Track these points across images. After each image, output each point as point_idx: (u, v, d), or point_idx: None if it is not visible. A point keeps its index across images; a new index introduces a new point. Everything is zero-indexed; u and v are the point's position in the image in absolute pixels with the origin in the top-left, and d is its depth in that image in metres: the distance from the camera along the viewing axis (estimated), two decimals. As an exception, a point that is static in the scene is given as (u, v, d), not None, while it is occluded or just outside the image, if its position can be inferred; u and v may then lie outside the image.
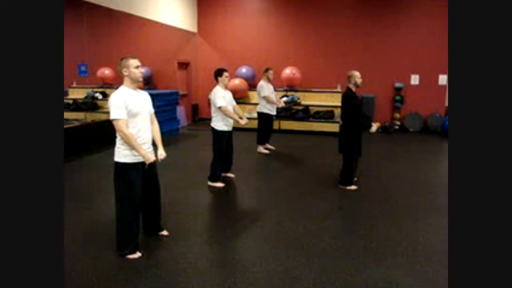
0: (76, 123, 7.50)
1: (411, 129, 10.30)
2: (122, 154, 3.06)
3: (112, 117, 2.97)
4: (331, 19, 10.58)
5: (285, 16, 10.91)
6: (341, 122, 5.29)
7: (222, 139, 5.10)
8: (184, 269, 3.02)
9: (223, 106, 4.93)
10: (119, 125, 2.97)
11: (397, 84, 10.37)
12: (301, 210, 4.38)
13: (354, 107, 4.79)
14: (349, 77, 4.89)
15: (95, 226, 3.85)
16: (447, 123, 9.62)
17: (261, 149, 7.36)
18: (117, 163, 3.09)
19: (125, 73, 3.08)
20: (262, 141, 7.39)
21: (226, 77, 5.09)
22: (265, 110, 7.22)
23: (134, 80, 3.11)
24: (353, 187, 5.05)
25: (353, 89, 4.88)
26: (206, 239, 3.60)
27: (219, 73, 5.08)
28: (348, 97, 4.81)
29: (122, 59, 3.10)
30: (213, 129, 5.12)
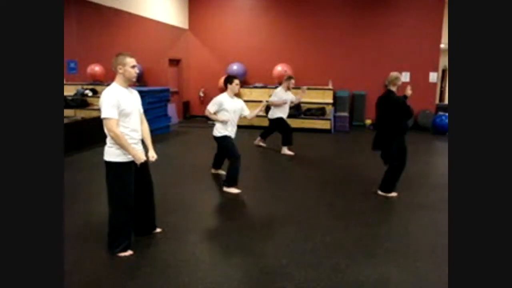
0: (66, 121, 7.42)
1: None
2: (115, 154, 2.99)
3: (103, 115, 2.89)
4: (322, 16, 10.59)
5: (277, 13, 10.89)
6: (371, 128, 4.95)
7: (229, 142, 4.91)
8: (175, 267, 3.00)
9: (249, 116, 4.98)
10: (110, 125, 2.89)
11: (388, 81, 10.42)
12: (292, 207, 4.39)
13: (408, 110, 4.45)
14: (395, 79, 4.48)
15: (84, 224, 3.81)
16: (437, 120, 9.70)
17: (286, 150, 7.11)
18: (109, 163, 3.02)
19: (119, 71, 2.99)
20: (288, 143, 7.15)
21: (237, 84, 4.87)
22: (280, 114, 7.03)
23: (127, 79, 3.04)
24: (395, 194, 4.71)
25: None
26: (197, 237, 3.59)
27: (229, 80, 4.88)
28: (397, 101, 4.42)
29: (118, 55, 3.01)
30: (216, 137, 4.98)
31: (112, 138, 2.95)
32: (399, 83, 4.50)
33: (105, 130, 2.98)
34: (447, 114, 9.90)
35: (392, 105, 4.47)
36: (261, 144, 7.66)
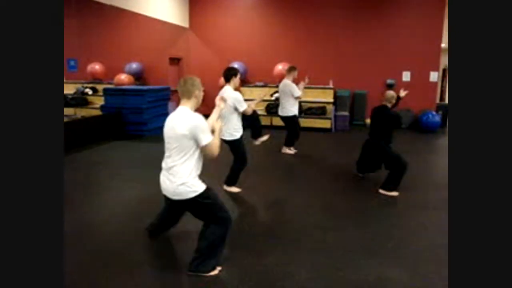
0: (66, 119, 7.41)
1: (402, 126, 10.36)
2: (198, 184, 2.73)
3: (207, 141, 2.65)
4: (323, 16, 10.56)
5: (278, 11, 10.87)
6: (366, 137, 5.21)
7: (243, 145, 4.60)
8: (175, 266, 3.00)
9: (247, 109, 4.45)
10: (216, 146, 2.72)
11: (389, 81, 10.41)
12: (292, 206, 4.38)
13: (399, 120, 5.01)
14: (391, 97, 5.01)
15: (82, 224, 3.80)
16: (423, 118, 9.72)
17: (286, 150, 6.98)
18: (199, 196, 2.72)
19: (196, 96, 2.75)
20: (290, 143, 6.99)
21: (239, 77, 4.62)
22: (292, 113, 6.73)
23: (198, 104, 2.81)
24: (396, 193, 4.77)
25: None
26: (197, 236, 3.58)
27: (234, 72, 4.48)
28: (391, 115, 4.93)
29: (191, 78, 2.78)
30: (234, 141, 4.49)
31: (215, 152, 2.73)
32: (394, 101, 5.09)
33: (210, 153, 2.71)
34: (433, 112, 9.92)
35: (386, 117, 4.96)
36: (290, 151, 7.06)
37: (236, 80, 4.51)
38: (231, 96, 4.37)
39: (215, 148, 2.71)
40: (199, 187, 2.73)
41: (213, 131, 2.86)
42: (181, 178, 2.67)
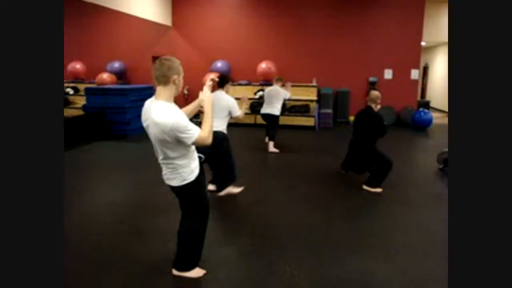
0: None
1: (385, 123, 10.50)
2: (190, 172, 2.54)
3: (193, 139, 2.33)
4: (307, 14, 10.63)
5: (261, 10, 10.88)
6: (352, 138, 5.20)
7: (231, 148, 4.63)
8: (161, 267, 2.99)
9: (240, 115, 4.54)
10: (205, 138, 2.38)
11: (371, 79, 10.55)
12: (277, 204, 4.41)
13: (385, 128, 4.89)
14: (376, 97, 4.90)
15: (66, 224, 3.75)
16: (416, 116, 9.88)
17: (273, 148, 7.13)
18: (188, 184, 2.55)
19: (174, 82, 2.36)
20: (273, 138, 7.26)
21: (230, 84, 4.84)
22: (278, 112, 7.16)
23: (176, 93, 2.43)
24: (379, 189, 4.84)
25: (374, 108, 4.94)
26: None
27: (228, 80, 4.73)
28: (377, 117, 4.85)
29: (171, 60, 2.36)
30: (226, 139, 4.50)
31: (208, 139, 2.43)
32: (379, 101, 4.97)
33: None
34: (426, 110, 10.13)
35: (372, 119, 4.87)
36: (276, 150, 7.17)
37: (228, 86, 4.75)
38: (228, 100, 4.49)
39: (205, 140, 2.39)
40: (191, 175, 2.54)
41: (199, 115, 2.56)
42: (178, 166, 2.50)
